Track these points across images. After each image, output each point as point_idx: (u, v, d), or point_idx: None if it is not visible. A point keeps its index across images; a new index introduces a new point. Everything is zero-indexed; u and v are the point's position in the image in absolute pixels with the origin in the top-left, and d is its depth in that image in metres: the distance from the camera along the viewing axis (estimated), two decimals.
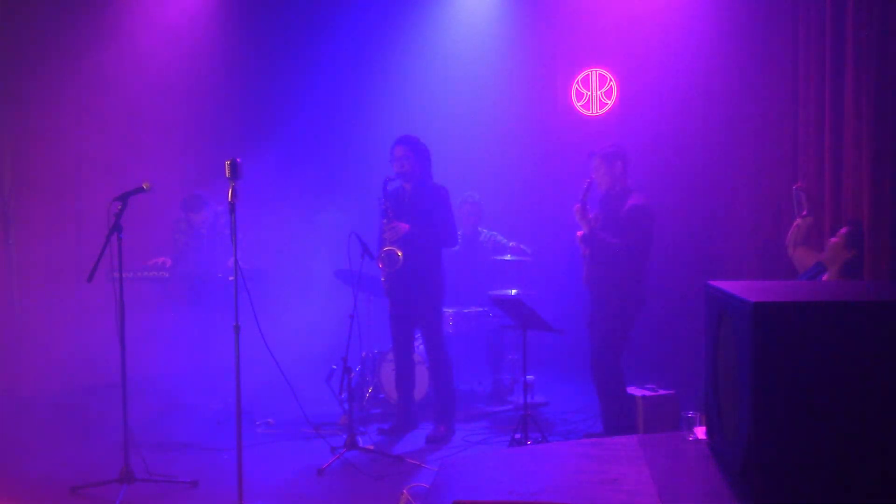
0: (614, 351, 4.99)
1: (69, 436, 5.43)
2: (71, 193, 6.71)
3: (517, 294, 5.80)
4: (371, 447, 4.99)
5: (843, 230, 4.32)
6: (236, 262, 3.94)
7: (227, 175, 3.95)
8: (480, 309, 6.22)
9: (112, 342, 4.41)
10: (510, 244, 6.42)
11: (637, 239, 4.88)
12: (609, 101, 7.13)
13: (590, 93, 7.20)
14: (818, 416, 2.43)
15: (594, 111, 7.19)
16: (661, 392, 5.16)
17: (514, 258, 6.15)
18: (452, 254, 6.04)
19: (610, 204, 5.05)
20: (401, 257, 5.19)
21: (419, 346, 5.70)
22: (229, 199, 3.93)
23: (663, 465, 3.10)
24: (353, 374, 5.05)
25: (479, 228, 6.63)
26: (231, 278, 4.51)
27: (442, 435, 5.28)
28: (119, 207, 4.26)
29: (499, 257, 6.26)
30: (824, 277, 4.31)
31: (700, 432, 3.39)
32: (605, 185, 5.04)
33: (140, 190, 4.37)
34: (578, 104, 7.24)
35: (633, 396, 5.13)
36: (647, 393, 5.14)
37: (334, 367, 5.67)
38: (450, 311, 6.07)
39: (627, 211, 4.89)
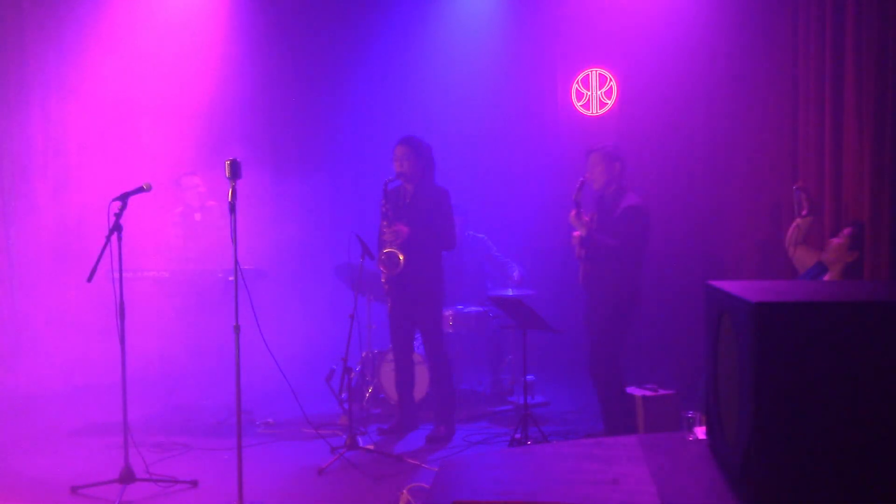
0: (612, 351, 4.99)
1: (69, 436, 5.43)
2: (71, 192, 6.70)
3: (517, 294, 5.80)
4: (371, 447, 4.99)
5: (847, 231, 4.30)
6: (236, 262, 3.95)
7: (227, 175, 3.95)
8: (480, 309, 6.21)
9: (112, 342, 4.41)
10: (515, 274, 6.33)
11: (633, 239, 4.89)
12: (609, 101, 7.13)
13: (590, 93, 7.20)
14: (818, 416, 2.43)
15: (594, 111, 7.19)
16: (661, 392, 5.16)
17: (513, 292, 5.98)
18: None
19: (605, 204, 5.07)
20: (402, 260, 5.18)
21: (419, 346, 5.70)
22: (229, 199, 3.93)
23: (663, 465, 3.09)
24: (353, 374, 5.05)
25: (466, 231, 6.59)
26: (231, 278, 4.51)
27: (442, 435, 5.27)
28: (119, 207, 4.26)
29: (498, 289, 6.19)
30: (825, 277, 4.31)
31: (700, 432, 3.39)
32: (600, 184, 5.06)
33: (140, 190, 4.38)
34: (578, 104, 7.24)
35: (633, 396, 5.13)
36: (647, 393, 5.14)
37: (334, 367, 5.67)
38: (449, 311, 6.07)
39: (623, 211, 4.91)
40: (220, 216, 5.69)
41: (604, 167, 5.02)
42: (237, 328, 3.97)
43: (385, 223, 5.24)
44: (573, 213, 4.96)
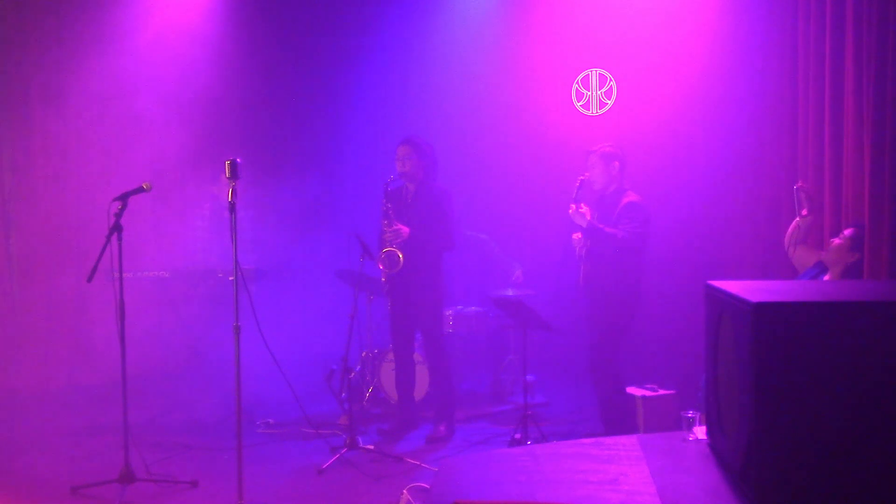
0: (612, 350, 4.99)
1: (69, 436, 5.43)
2: (71, 192, 6.70)
3: (517, 294, 5.80)
4: (371, 447, 4.99)
5: (848, 232, 4.29)
6: (236, 261, 3.95)
7: (226, 175, 3.96)
8: (480, 309, 6.21)
9: (112, 341, 4.41)
10: (516, 272, 6.33)
11: (634, 232, 4.89)
12: (609, 101, 7.12)
13: (590, 93, 7.20)
14: (818, 416, 2.43)
15: (594, 111, 7.19)
16: (661, 392, 5.16)
17: (514, 292, 5.97)
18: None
19: (605, 204, 5.08)
20: (401, 259, 5.19)
21: (419, 346, 5.69)
22: (229, 198, 3.94)
23: (663, 465, 3.09)
24: (353, 374, 5.05)
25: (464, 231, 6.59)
26: (231, 278, 4.51)
27: (442, 435, 5.28)
28: (119, 207, 4.26)
29: (501, 291, 6.20)
30: (825, 278, 4.31)
31: (700, 432, 3.39)
32: (600, 184, 5.08)
33: (140, 190, 4.38)
34: (578, 104, 7.24)
35: (633, 396, 5.13)
36: (647, 393, 5.14)
37: (334, 368, 5.67)
38: (449, 311, 6.06)
39: (623, 207, 4.93)
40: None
41: (602, 167, 5.05)
42: (237, 328, 3.97)
43: (386, 222, 5.24)
44: (572, 206, 4.96)
